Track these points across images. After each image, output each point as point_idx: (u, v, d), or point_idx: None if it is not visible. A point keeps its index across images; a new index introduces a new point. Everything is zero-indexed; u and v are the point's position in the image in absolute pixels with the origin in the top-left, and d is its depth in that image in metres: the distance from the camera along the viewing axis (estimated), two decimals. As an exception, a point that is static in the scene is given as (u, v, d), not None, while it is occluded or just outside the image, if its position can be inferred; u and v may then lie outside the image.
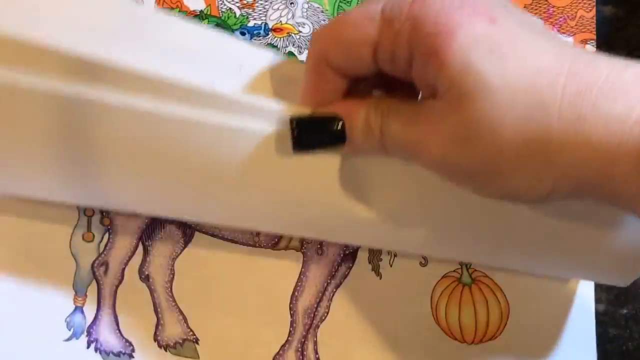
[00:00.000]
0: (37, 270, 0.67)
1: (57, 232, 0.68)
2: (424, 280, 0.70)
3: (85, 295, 0.68)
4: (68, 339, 0.67)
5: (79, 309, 0.67)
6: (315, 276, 0.69)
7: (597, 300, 0.71)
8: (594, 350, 0.69)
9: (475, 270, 0.70)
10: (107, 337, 0.67)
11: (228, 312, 0.68)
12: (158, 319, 0.68)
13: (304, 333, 0.69)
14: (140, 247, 0.69)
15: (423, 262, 0.70)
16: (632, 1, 0.76)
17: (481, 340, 0.69)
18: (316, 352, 0.68)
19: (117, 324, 0.67)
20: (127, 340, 0.67)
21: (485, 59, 0.41)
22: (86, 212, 0.68)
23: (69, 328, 0.67)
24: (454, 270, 0.70)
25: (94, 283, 0.68)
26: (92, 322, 0.67)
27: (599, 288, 0.71)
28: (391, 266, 0.69)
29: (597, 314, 0.71)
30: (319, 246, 0.70)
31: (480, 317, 0.69)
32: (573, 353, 0.69)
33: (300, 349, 0.69)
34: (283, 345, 0.68)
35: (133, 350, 0.67)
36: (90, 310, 0.67)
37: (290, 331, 0.68)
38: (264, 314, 0.68)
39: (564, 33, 0.77)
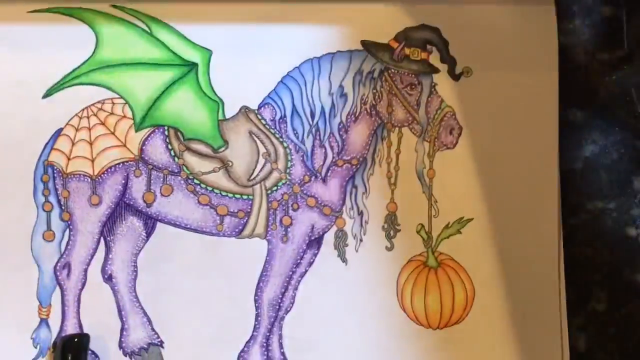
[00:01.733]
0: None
1: (16, 234, 0.66)
2: (389, 265, 0.69)
3: (50, 305, 0.67)
4: (34, 359, 0.67)
5: (44, 321, 0.67)
6: (280, 265, 0.68)
7: (597, 300, 0.71)
8: (559, 334, 0.70)
9: (441, 253, 0.70)
10: None
11: (193, 308, 0.67)
12: (122, 324, 0.67)
13: (269, 327, 0.68)
14: (102, 245, 0.68)
15: (389, 247, 0.69)
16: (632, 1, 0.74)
17: (446, 324, 0.69)
18: (281, 347, 0.68)
19: None
20: (92, 352, 0.67)
21: None
22: (44, 207, 0.67)
23: (34, 345, 0.67)
24: (420, 254, 0.70)
25: (58, 290, 0.67)
26: (57, 336, 0.67)
27: (598, 287, 0.71)
28: (357, 251, 0.69)
29: (598, 314, 0.71)
30: (284, 233, 0.69)
31: (446, 301, 0.69)
32: (539, 337, 0.70)
33: (265, 344, 0.68)
34: (248, 342, 0.68)
35: None
36: (55, 321, 0.67)
37: (255, 325, 0.68)
38: (229, 308, 0.68)
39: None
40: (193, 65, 0.68)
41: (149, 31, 0.68)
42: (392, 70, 0.70)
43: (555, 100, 0.71)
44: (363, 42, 0.71)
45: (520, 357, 0.69)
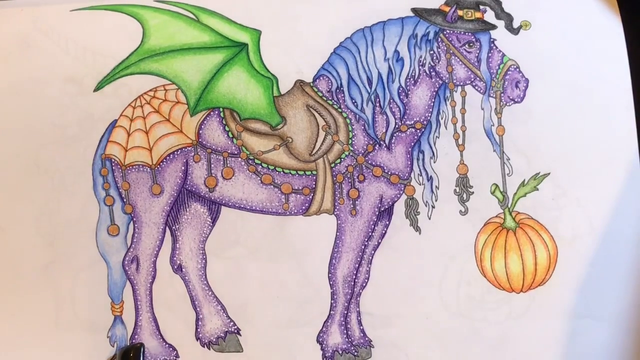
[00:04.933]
0: (69, 282, 0.65)
1: (80, 231, 0.65)
2: (465, 229, 0.66)
3: (122, 301, 0.66)
4: (114, 357, 0.66)
5: (118, 318, 0.66)
6: (351, 239, 0.66)
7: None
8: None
9: (519, 212, 0.67)
10: (150, 345, 0.66)
11: (266, 292, 0.66)
12: (197, 314, 0.66)
13: (346, 304, 0.66)
14: (168, 235, 0.66)
15: (463, 211, 0.66)
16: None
17: (530, 286, 0.66)
18: (360, 324, 0.66)
19: (158, 328, 0.66)
20: (170, 345, 0.66)
21: None
22: (106, 201, 0.66)
23: (112, 343, 0.66)
24: (497, 216, 0.67)
25: (128, 285, 0.66)
26: (133, 332, 0.66)
27: None
28: (430, 219, 0.66)
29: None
30: (352, 206, 0.67)
31: (527, 263, 0.66)
32: (629, 287, 0.67)
33: (343, 323, 0.66)
34: (326, 321, 0.66)
35: (177, 356, 0.66)
36: (129, 317, 0.66)
37: (331, 304, 0.66)
38: (303, 289, 0.66)
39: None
40: (243, 46, 0.67)
41: (196, 19, 0.67)
42: (447, 31, 0.68)
43: (622, 37, 0.68)
44: (414, 9, 0.68)
45: (613, 309, 0.66)
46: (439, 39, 0.68)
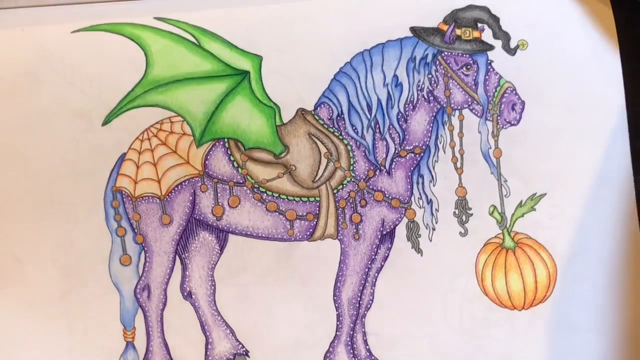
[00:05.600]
0: (83, 311, 0.67)
1: (94, 262, 0.67)
2: (466, 250, 0.68)
3: (134, 328, 0.68)
4: None
5: (130, 345, 0.68)
6: (355, 263, 0.68)
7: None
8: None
9: (518, 233, 0.68)
10: None
11: (274, 315, 0.68)
12: (207, 338, 0.68)
13: (352, 325, 0.68)
14: (178, 263, 0.68)
15: (463, 232, 0.68)
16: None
17: (531, 304, 0.68)
18: (366, 344, 0.68)
19: (169, 353, 0.68)
20: None
21: None
22: (118, 232, 0.68)
23: None
24: (496, 236, 0.68)
25: (140, 312, 0.68)
26: (144, 357, 0.68)
27: None
28: (431, 241, 0.68)
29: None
30: (355, 231, 0.69)
31: (528, 281, 0.68)
32: (627, 305, 0.68)
33: (349, 343, 0.68)
34: (332, 342, 0.68)
35: None
36: (141, 343, 0.68)
37: (337, 325, 0.68)
38: (309, 311, 0.68)
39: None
40: (245, 74, 0.68)
41: (197, 43, 0.68)
42: (445, 53, 0.69)
43: (617, 59, 0.69)
44: (412, 29, 0.70)
45: (611, 325, 0.68)
46: (437, 62, 0.69)
